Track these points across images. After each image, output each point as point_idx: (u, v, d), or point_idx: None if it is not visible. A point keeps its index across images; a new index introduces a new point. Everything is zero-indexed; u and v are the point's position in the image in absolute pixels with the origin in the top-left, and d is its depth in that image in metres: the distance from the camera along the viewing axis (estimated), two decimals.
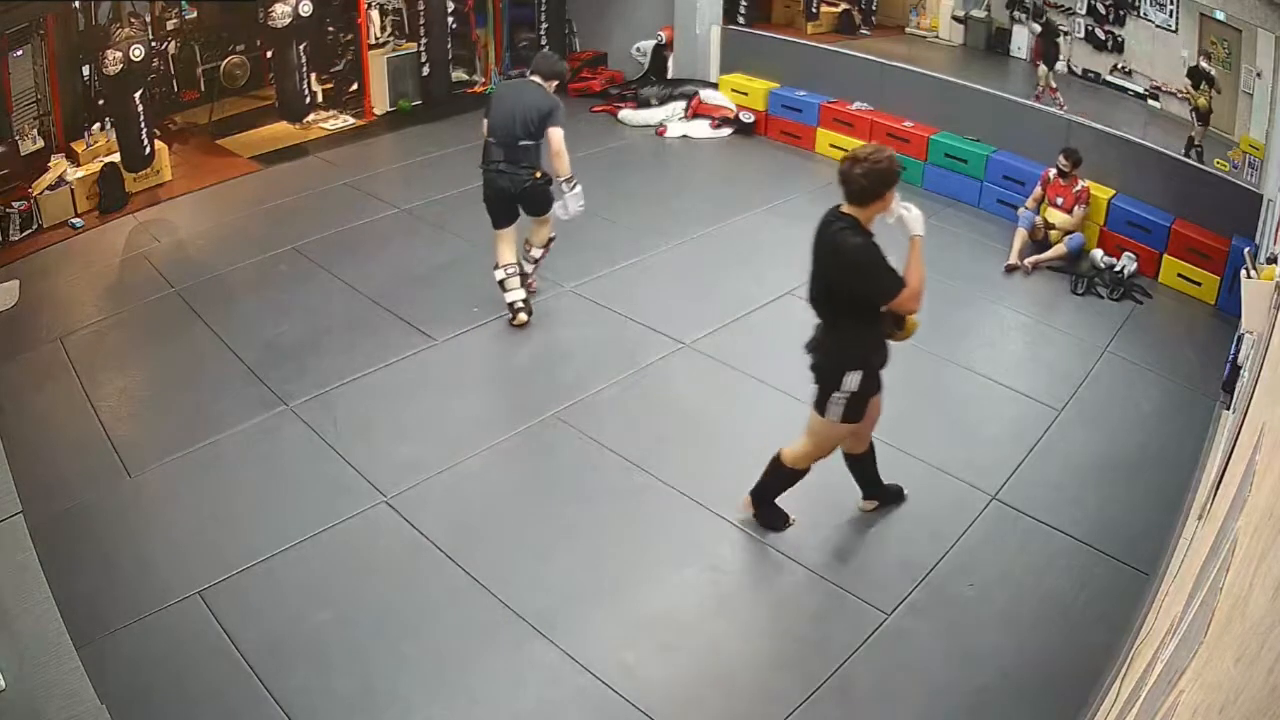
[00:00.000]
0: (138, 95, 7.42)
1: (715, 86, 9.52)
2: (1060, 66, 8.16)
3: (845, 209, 3.59)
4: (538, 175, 5.49)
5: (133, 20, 7.51)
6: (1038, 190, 6.93)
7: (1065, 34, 8.13)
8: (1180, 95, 7.05)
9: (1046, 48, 8.27)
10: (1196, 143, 6.72)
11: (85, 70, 7.62)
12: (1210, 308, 6.30)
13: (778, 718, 3.37)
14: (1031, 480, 4.62)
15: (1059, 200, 6.82)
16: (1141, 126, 7.23)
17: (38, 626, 2.84)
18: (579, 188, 5.55)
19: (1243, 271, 4.93)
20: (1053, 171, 6.83)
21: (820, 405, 3.78)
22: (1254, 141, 6.25)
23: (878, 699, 3.49)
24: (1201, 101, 6.68)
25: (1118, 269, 6.54)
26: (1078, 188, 6.77)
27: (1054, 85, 8.09)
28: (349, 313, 6.00)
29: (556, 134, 5.35)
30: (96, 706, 2.72)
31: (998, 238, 7.03)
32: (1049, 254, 6.73)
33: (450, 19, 9.92)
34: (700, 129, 9.20)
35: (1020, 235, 6.81)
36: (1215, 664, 1.33)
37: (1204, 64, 6.60)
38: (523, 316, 5.77)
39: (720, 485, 4.49)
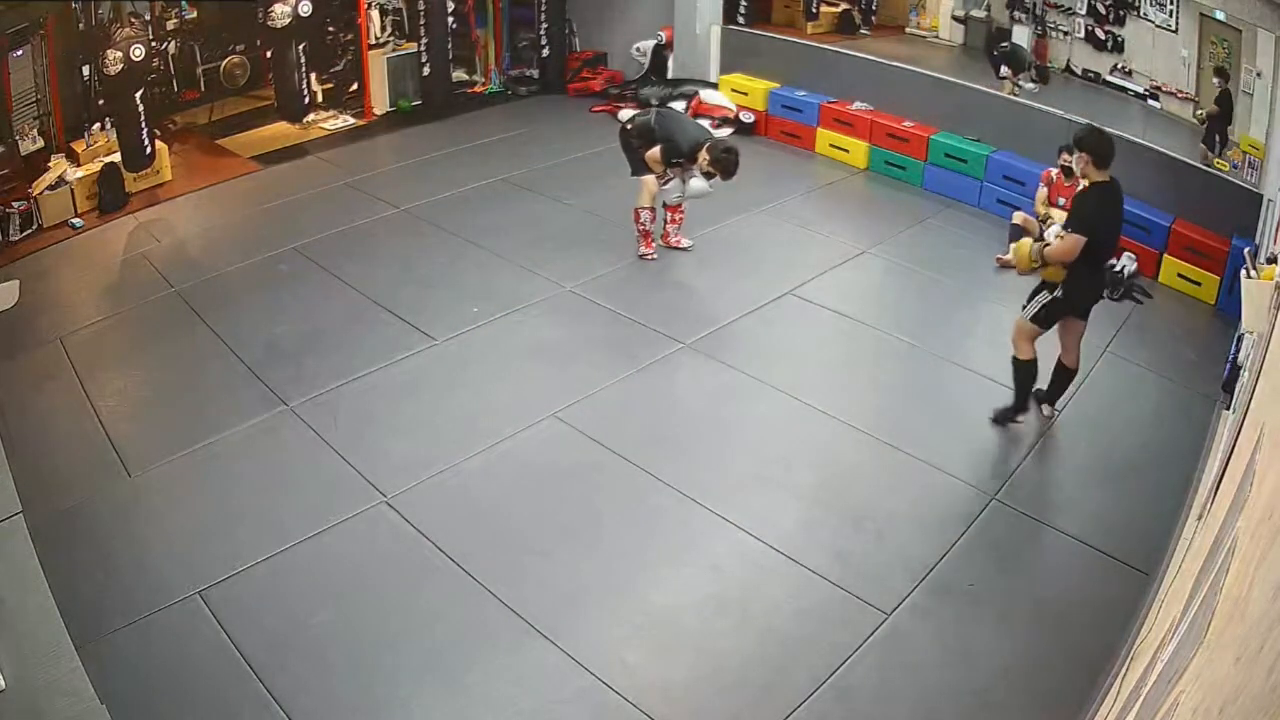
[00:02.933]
0: (138, 95, 7.42)
1: (715, 86, 9.50)
2: (1006, 70, 8.31)
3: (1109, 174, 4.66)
4: (631, 134, 6.67)
5: (133, 20, 7.51)
6: (1043, 190, 6.91)
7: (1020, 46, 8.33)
8: (1180, 95, 7.05)
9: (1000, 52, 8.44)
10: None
11: (85, 70, 7.63)
12: (1210, 308, 6.30)
13: (778, 718, 3.37)
14: (1031, 480, 4.63)
15: (1061, 201, 6.81)
16: (1141, 126, 7.23)
17: (38, 626, 2.83)
18: (671, 183, 6.63)
19: (1243, 271, 4.92)
20: (1054, 171, 6.82)
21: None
22: (1254, 141, 6.25)
23: (878, 699, 3.49)
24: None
25: (1118, 269, 6.53)
26: (1080, 187, 6.75)
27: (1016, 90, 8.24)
28: (349, 313, 6.00)
29: (648, 152, 6.46)
30: (96, 706, 2.72)
31: (998, 237, 7.02)
32: None
33: (450, 19, 9.93)
34: None
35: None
36: (1215, 664, 1.33)
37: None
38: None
39: (720, 485, 4.49)
